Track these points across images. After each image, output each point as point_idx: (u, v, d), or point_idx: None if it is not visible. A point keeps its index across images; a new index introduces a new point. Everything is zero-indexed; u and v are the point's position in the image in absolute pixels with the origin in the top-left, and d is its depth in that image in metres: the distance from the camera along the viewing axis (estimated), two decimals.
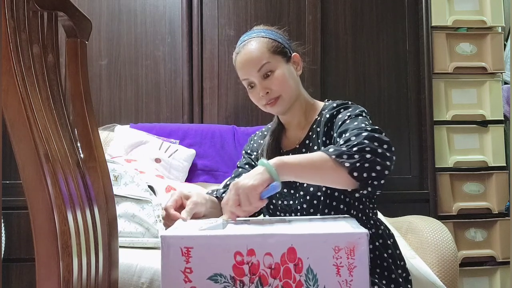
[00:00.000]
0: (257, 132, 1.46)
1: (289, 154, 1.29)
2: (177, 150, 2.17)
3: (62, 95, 0.91)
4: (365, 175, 1.02)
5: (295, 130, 1.33)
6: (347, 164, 1.01)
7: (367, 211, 1.25)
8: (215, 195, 1.30)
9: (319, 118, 1.28)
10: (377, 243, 1.22)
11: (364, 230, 0.84)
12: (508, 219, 2.43)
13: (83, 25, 0.96)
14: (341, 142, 1.07)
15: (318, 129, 1.26)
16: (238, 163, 1.43)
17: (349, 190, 1.07)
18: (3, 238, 2.12)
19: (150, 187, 1.76)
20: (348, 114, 1.20)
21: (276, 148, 1.33)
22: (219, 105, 2.46)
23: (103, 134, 2.22)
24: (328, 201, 1.19)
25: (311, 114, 1.32)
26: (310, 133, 1.29)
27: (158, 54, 2.47)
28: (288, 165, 1.02)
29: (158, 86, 2.46)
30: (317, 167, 1.03)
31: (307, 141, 1.28)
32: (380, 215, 1.33)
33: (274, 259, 0.83)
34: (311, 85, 2.32)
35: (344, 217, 1.08)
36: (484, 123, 2.52)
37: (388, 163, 1.04)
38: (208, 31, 2.47)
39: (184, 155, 2.18)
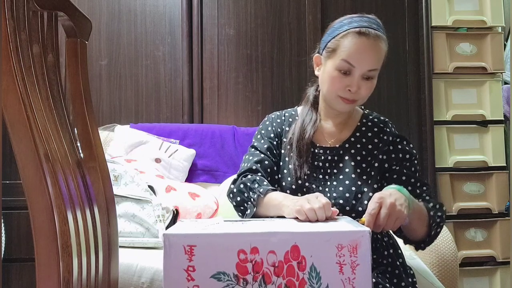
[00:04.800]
0: (278, 114, 1.37)
1: (326, 152, 1.27)
2: (177, 150, 2.17)
3: (62, 95, 0.91)
4: (429, 241, 1.18)
5: (333, 128, 1.31)
6: (433, 232, 1.16)
7: None
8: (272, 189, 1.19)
9: (363, 128, 1.30)
10: (391, 251, 1.24)
11: (366, 228, 0.84)
12: (508, 219, 2.42)
13: (83, 25, 0.96)
14: (432, 204, 1.18)
15: (364, 140, 1.27)
16: (255, 142, 1.33)
17: (406, 239, 1.20)
18: (3, 238, 2.12)
19: (150, 187, 1.76)
20: (410, 151, 1.26)
21: (309, 143, 1.27)
22: (219, 105, 2.46)
23: (103, 134, 2.22)
24: (356, 205, 1.21)
25: (352, 118, 1.32)
26: (353, 139, 1.28)
27: (158, 54, 2.47)
28: (414, 209, 1.08)
29: (158, 86, 2.46)
30: (419, 218, 1.13)
31: (347, 145, 1.27)
32: None
33: (277, 257, 0.83)
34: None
35: (344, 217, 1.09)
36: (484, 123, 2.52)
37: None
38: (208, 31, 2.47)
39: (184, 155, 2.18)
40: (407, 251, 1.61)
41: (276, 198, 1.12)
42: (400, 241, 1.29)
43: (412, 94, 2.53)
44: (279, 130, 1.33)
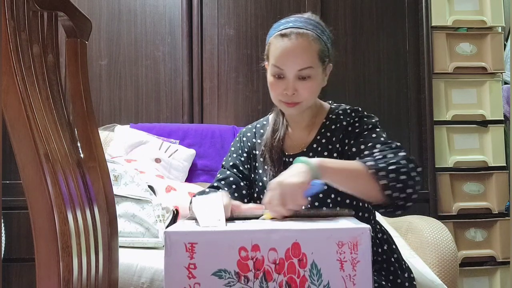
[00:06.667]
0: (249, 127, 1.38)
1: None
2: (177, 150, 2.17)
3: (62, 95, 0.91)
4: (395, 195, 1.03)
5: (302, 132, 1.28)
6: (382, 181, 1.01)
7: (371, 217, 1.26)
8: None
9: (328, 122, 1.25)
10: (385, 247, 1.23)
11: (366, 225, 0.85)
12: (508, 219, 2.42)
13: (83, 25, 0.96)
14: (379, 156, 1.07)
15: (328, 134, 1.23)
16: (223, 161, 1.35)
17: (374, 203, 1.08)
18: (3, 238, 2.12)
19: (150, 187, 1.76)
20: (365, 126, 1.19)
21: (280, 151, 1.27)
22: (219, 105, 2.46)
23: (103, 134, 2.22)
24: (333, 201, 1.19)
25: (318, 116, 1.27)
26: (318, 137, 1.24)
27: (158, 54, 2.47)
28: (328, 168, 1.01)
29: (158, 86, 2.46)
30: (353, 177, 1.04)
31: (314, 145, 1.24)
32: (380, 218, 1.33)
33: (278, 255, 0.83)
34: None
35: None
36: (484, 123, 2.52)
37: (417, 188, 1.05)
38: (208, 31, 2.47)
39: (184, 155, 2.18)
40: (407, 250, 1.61)
41: None
42: (397, 240, 1.29)
43: (412, 94, 2.53)
44: (248, 144, 1.34)
